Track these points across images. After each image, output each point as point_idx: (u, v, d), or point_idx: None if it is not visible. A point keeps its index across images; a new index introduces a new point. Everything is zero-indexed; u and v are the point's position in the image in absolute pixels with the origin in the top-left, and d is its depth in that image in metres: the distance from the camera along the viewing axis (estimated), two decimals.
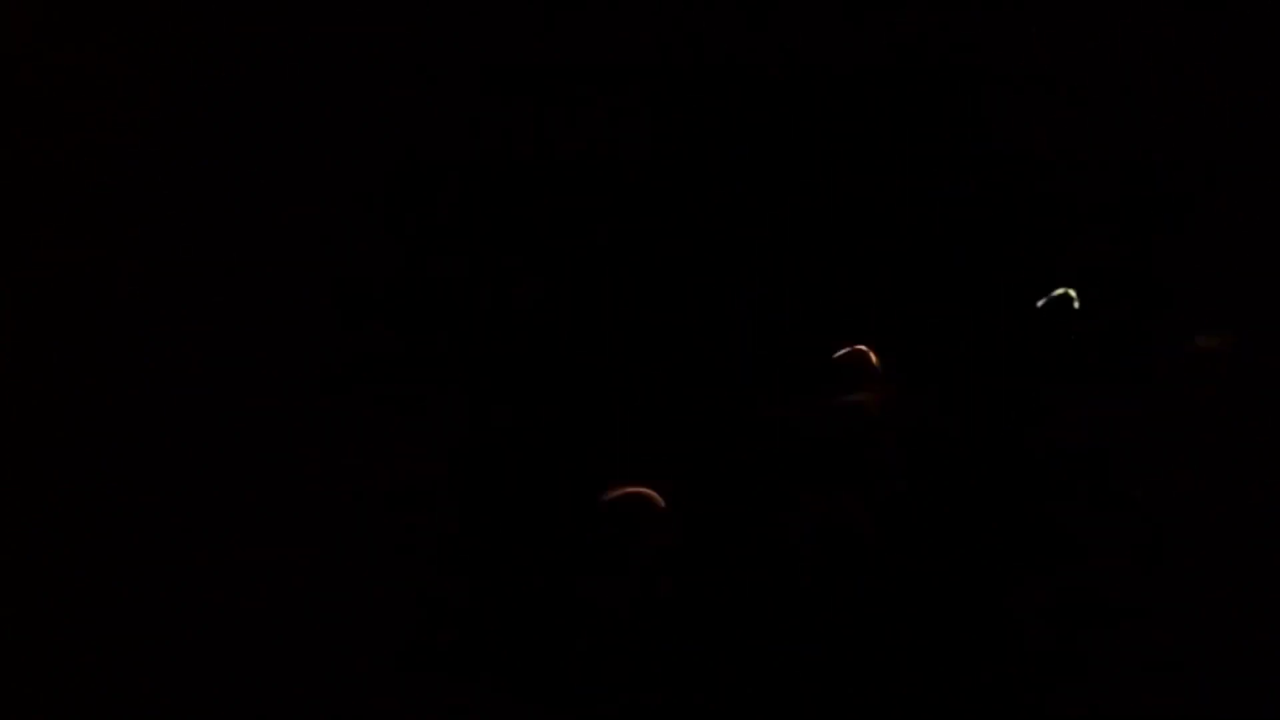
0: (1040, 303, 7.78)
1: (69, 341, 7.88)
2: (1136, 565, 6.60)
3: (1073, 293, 7.74)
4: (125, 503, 7.61)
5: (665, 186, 9.27)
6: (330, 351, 8.35)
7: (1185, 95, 9.36)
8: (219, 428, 7.94)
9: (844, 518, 6.15)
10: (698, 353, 9.06)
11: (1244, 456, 6.64)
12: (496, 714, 5.98)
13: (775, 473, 7.17)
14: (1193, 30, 9.44)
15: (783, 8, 9.37)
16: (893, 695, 6.11)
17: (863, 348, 7.50)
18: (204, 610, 7.08)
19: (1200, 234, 9.24)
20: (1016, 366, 7.84)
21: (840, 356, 7.51)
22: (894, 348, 7.68)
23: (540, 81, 9.03)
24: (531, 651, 6.07)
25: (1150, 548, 6.64)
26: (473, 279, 8.91)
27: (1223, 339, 7.02)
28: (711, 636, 6.00)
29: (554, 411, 8.54)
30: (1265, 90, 9.30)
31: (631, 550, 5.71)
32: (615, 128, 9.17)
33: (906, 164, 9.44)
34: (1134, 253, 9.22)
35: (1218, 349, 6.95)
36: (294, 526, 7.69)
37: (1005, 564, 6.83)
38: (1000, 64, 9.49)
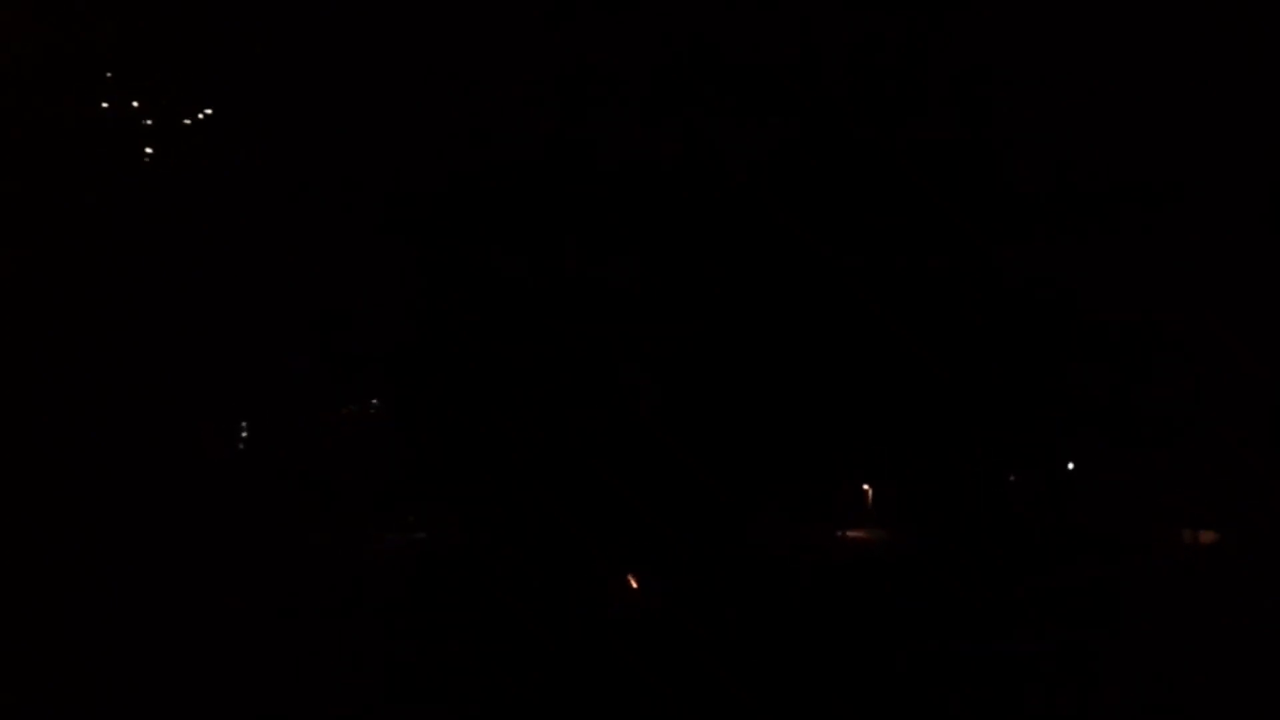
0: None
1: (68, 341, 7.93)
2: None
3: None
4: (123, 502, 7.68)
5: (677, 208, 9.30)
6: (332, 353, 8.40)
7: (1183, 96, 9.41)
8: (218, 429, 7.99)
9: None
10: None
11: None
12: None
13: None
14: (1192, 30, 9.50)
15: (784, 8, 9.40)
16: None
17: None
18: (200, 611, 7.13)
19: (1198, 235, 9.29)
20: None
21: None
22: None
23: (550, 85, 9.06)
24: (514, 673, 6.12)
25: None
26: (471, 288, 8.95)
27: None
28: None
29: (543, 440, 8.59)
30: (1265, 90, 9.36)
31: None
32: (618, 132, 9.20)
33: (906, 166, 9.48)
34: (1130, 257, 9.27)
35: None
36: (293, 527, 7.73)
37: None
38: (1000, 64, 9.53)
